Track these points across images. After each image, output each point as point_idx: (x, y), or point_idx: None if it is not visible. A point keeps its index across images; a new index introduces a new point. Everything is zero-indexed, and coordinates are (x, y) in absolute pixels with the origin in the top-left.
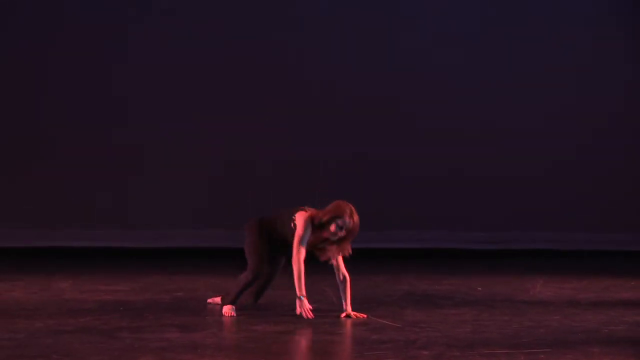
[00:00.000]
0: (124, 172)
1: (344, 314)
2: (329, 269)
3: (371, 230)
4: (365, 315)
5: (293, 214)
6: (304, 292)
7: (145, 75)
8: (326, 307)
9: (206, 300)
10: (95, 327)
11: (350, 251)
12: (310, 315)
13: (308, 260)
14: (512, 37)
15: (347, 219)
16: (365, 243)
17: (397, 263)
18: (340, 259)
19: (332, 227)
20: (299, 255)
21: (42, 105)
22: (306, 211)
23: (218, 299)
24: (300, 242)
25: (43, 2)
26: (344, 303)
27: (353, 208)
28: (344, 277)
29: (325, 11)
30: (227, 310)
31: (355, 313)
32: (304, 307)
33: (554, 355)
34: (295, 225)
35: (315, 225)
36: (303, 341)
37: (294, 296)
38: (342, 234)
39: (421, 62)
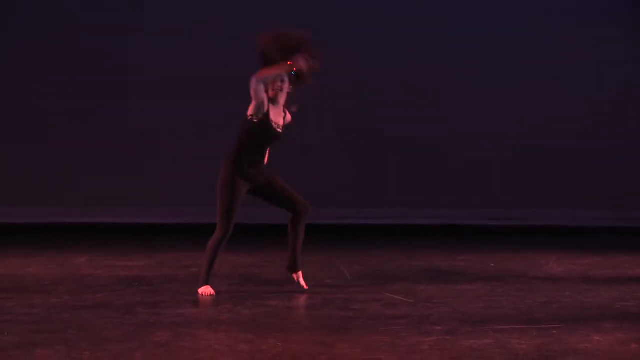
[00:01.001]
0: (140, 152)
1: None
2: (343, 245)
3: (387, 208)
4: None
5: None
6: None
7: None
8: (341, 284)
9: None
10: (111, 302)
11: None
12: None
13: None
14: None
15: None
16: (381, 220)
17: (412, 239)
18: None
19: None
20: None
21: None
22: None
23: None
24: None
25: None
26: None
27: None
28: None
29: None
30: (205, 291)
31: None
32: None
33: (567, 331)
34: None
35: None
36: (317, 316)
37: (308, 271)
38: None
39: (433, 49)
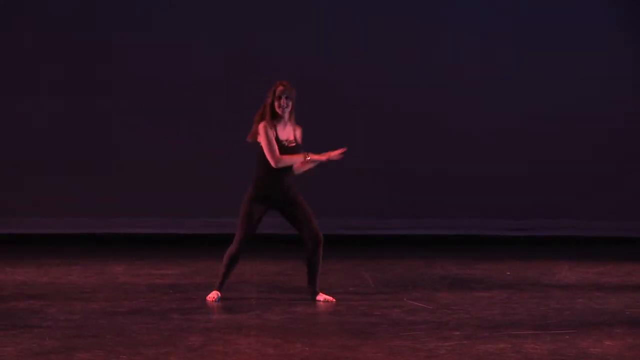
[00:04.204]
0: (174, 165)
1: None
2: (366, 254)
3: (409, 218)
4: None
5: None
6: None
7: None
8: (364, 291)
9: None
10: (147, 308)
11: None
12: (337, 155)
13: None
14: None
15: (280, 87)
16: (403, 230)
17: (432, 249)
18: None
19: (277, 104)
20: (279, 157)
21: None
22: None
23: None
24: (272, 152)
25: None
26: None
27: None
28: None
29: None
30: (211, 296)
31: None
32: (328, 155)
33: (579, 336)
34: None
35: (273, 122)
36: (342, 322)
37: (333, 279)
38: (287, 101)
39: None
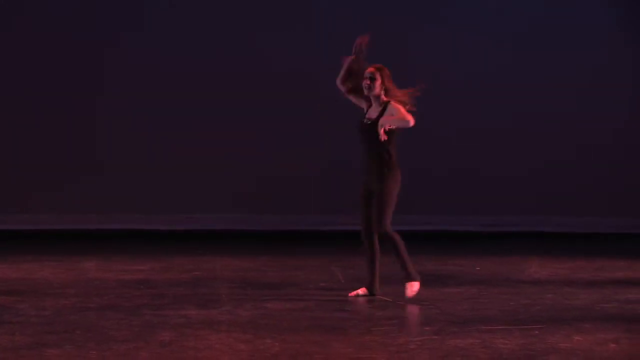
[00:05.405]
0: (149, 159)
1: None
2: (339, 251)
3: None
4: None
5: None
6: None
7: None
8: (334, 286)
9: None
10: (118, 304)
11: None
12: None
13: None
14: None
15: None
16: None
17: (406, 245)
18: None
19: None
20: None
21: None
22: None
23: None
24: None
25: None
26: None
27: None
28: None
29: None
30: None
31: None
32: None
33: (549, 331)
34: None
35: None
36: (313, 317)
37: (305, 275)
38: (367, 81)
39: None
